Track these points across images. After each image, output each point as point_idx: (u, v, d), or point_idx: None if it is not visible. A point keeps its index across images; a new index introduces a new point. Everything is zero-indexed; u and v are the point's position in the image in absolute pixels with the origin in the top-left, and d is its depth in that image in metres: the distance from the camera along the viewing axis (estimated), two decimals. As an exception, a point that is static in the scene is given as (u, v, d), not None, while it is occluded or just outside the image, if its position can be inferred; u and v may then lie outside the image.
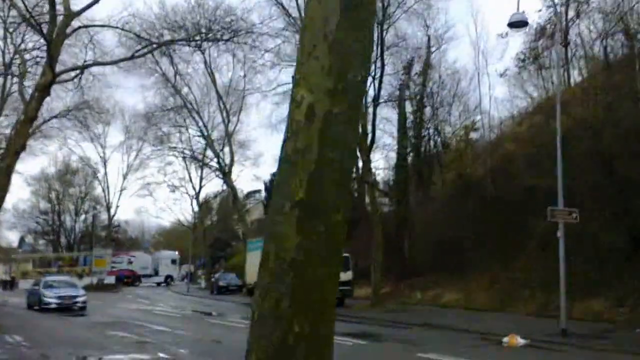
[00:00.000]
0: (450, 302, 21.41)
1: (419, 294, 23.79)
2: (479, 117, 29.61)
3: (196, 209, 59.56)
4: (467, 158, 28.65)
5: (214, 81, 40.06)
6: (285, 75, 29.62)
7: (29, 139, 20.59)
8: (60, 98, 30.03)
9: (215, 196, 58.99)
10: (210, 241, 54.96)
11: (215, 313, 23.48)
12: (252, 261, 29.35)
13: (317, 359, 2.99)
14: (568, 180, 16.69)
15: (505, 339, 12.85)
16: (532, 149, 22.37)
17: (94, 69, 22.15)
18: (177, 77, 39.36)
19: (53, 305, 23.40)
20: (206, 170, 51.16)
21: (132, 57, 19.39)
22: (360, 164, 23.56)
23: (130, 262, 54.43)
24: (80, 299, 24.26)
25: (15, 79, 25.11)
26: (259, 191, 60.95)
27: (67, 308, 23.67)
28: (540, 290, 17.79)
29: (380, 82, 24.39)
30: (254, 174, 74.13)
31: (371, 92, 24.47)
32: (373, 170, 39.31)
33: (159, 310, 25.18)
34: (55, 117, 29.50)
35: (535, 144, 22.35)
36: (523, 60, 24.78)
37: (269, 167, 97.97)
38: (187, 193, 55.31)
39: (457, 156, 29.11)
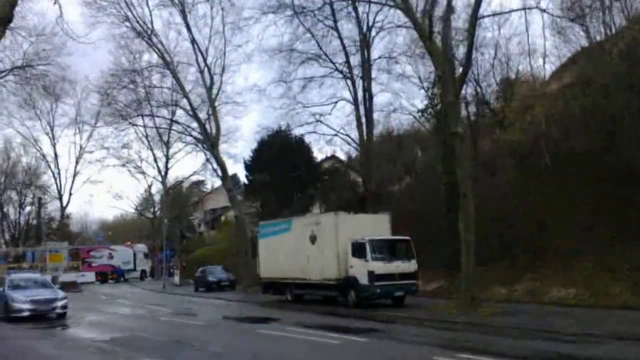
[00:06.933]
0: (565, 300, 16.58)
1: (502, 290, 18.99)
2: (522, 67, 25.16)
3: (156, 197, 53.84)
4: (514, 118, 23.85)
5: (192, 36, 33.96)
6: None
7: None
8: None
9: (181, 181, 52.50)
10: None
11: (261, 319, 18.03)
12: (268, 250, 23.57)
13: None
14: None
15: None
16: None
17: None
18: (151, 31, 33.37)
19: (26, 313, 17.59)
20: (173, 149, 45.57)
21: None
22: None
23: (110, 257, 49.56)
24: (59, 304, 18.47)
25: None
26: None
27: (42, 316, 18.00)
28: None
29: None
30: (227, 151, 65.93)
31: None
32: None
33: (164, 317, 19.51)
34: (18, 67, 23.23)
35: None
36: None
37: (246, 143, 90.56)
38: (144, 177, 49.64)
39: (501, 117, 24.41)
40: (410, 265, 18.70)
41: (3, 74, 27.97)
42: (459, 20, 23.97)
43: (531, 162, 22.38)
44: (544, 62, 24.43)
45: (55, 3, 15.85)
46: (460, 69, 21.50)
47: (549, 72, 26.95)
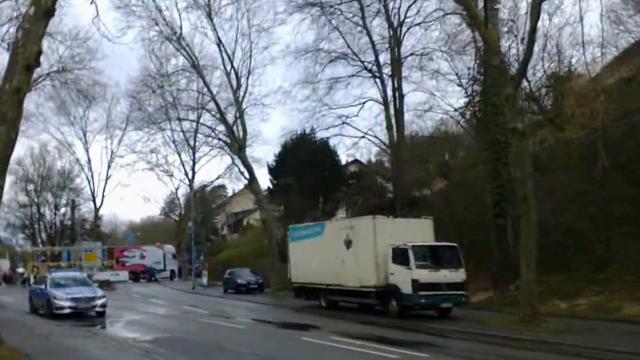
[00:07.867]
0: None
1: (562, 304, 17.50)
2: (575, 60, 23.09)
3: (182, 199, 54.72)
4: (569, 115, 21.54)
5: (218, 38, 33.94)
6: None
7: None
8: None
9: (206, 185, 52.79)
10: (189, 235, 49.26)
11: (305, 324, 17.45)
12: (300, 254, 22.81)
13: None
14: None
15: None
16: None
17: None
18: (179, 34, 33.57)
19: (67, 311, 17.85)
20: (199, 153, 46.20)
21: None
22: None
23: (142, 257, 51.09)
24: (98, 302, 18.65)
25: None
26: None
27: (81, 313, 18.24)
28: None
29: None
30: (250, 155, 66.43)
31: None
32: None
33: (201, 319, 19.27)
34: (55, 72, 23.78)
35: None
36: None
37: (268, 147, 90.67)
38: (170, 180, 50.73)
39: (554, 114, 22.60)
40: (459, 275, 17.68)
41: (41, 78, 28.32)
42: (503, 11, 22.91)
43: (588, 164, 20.79)
44: (602, 54, 22.54)
45: (92, 3, 15.87)
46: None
47: (605, 65, 24.35)
